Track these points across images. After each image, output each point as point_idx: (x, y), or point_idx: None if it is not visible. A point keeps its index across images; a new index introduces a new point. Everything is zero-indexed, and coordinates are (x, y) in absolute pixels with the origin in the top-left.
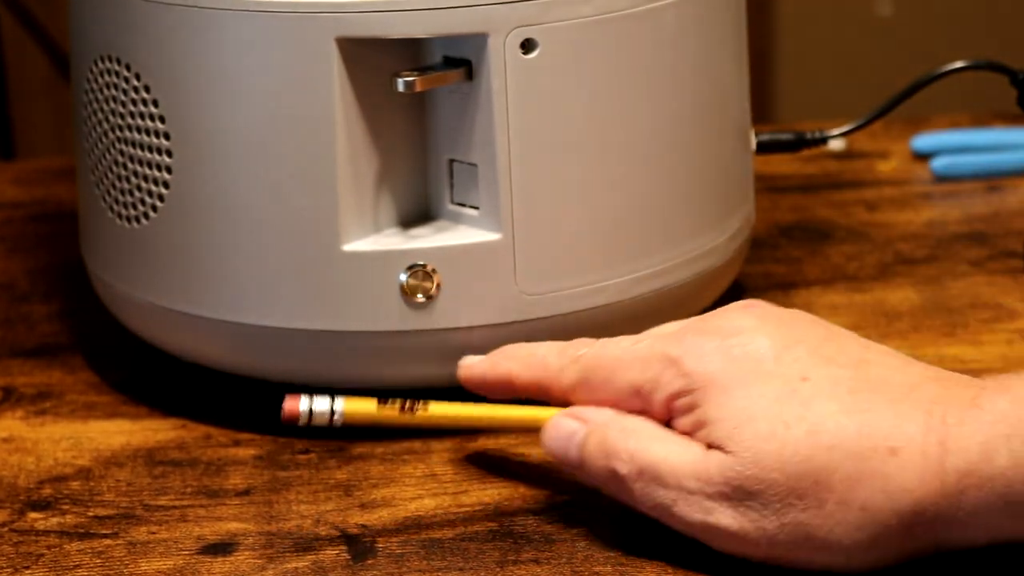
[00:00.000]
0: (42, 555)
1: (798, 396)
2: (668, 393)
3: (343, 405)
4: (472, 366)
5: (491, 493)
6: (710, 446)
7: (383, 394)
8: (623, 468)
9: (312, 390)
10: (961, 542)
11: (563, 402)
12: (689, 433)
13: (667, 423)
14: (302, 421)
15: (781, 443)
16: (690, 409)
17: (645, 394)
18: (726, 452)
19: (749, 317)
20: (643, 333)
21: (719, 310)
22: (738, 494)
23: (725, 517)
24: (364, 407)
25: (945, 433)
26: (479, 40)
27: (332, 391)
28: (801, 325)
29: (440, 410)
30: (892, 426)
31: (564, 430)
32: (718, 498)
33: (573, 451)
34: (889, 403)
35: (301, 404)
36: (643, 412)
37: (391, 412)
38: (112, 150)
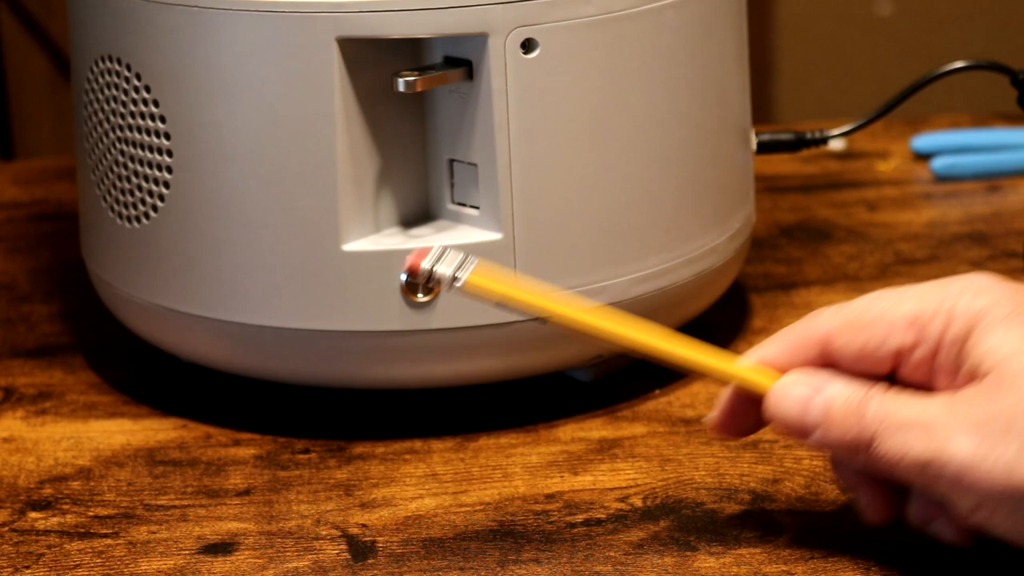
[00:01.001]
0: (42, 555)
1: None
2: (949, 313)
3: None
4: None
5: (491, 493)
6: (972, 372)
7: (383, 394)
8: (871, 410)
9: (312, 390)
10: None
11: (819, 359)
12: (951, 368)
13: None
14: (420, 279)
15: None
16: (964, 336)
17: (923, 322)
18: (987, 377)
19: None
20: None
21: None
22: (986, 414)
23: (962, 443)
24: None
25: None
26: (479, 40)
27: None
28: None
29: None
30: None
31: (798, 392)
32: (961, 421)
33: (815, 411)
34: None
35: (424, 263)
36: (914, 346)
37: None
38: (112, 150)
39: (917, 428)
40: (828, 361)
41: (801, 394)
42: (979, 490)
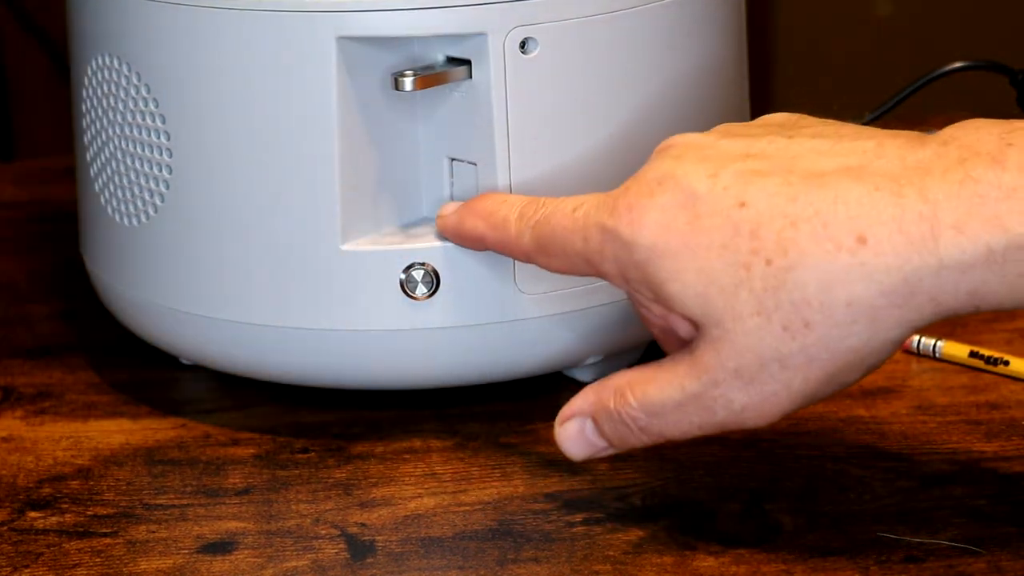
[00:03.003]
0: (41, 554)
1: (743, 229)
2: (616, 264)
3: None
4: (446, 219)
5: (491, 492)
6: (686, 319)
7: (383, 394)
8: (641, 422)
9: (312, 390)
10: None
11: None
12: (655, 304)
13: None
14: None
15: (749, 289)
16: (645, 282)
17: (595, 264)
18: (707, 335)
19: (668, 160)
20: (584, 196)
21: (646, 166)
22: (745, 367)
23: (738, 394)
24: None
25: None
26: (478, 40)
27: None
28: (718, 144)
29: None
30: (854, 218)
31: (574, 432)
32: (729, 380)
33: (600, 443)
34: (838, 198)
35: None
36: (599, 276)
37: None
38: (112, 149)
39: (693, 405)
40: None
41: (576, 431)
42: (781, 411)
